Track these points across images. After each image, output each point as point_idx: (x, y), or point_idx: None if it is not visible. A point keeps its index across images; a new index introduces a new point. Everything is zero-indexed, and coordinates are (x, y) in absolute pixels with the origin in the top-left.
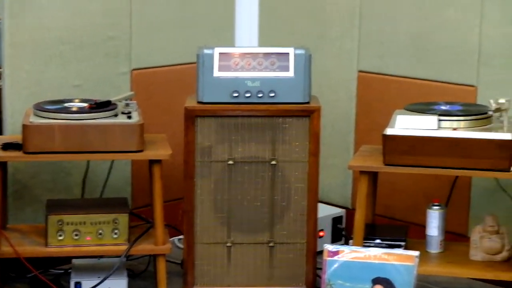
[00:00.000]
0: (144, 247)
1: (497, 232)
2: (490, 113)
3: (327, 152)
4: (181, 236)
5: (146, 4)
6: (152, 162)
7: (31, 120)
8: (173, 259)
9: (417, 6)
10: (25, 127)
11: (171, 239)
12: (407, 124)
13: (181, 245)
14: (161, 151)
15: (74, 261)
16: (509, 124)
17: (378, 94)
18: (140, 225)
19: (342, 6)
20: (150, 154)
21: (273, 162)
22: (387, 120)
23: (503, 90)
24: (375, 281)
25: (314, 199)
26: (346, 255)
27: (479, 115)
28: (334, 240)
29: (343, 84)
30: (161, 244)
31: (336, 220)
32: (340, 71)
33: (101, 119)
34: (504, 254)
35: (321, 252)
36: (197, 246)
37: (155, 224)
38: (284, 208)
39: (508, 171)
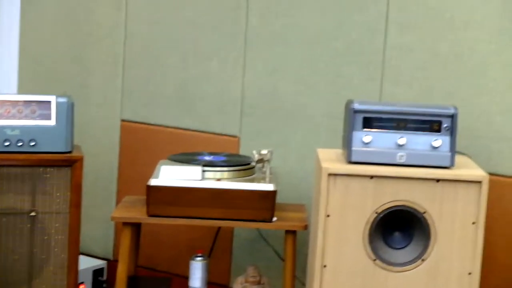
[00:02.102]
0: None
1: (258, 283)
2: (253, 164)
3: (90, 202)
4: None
5: None
6: None
7: None
8: None
9: (181, 56)
10: None
11: None
12: (171, 175)
13: None
14: None
15: None
16: (271, 175)
17: (143, 144)
18: None
19: (106, 54)
20: None
21: (33, 214)
22: (151, 170)
23: (265, 141)
24: None
25: (75, 251)
26: None
27: (242, 166)
28: None
29: (106, 133)
30: None
31: (97, 272)
32: (103, 120)
33: None
34: None
35: None
36: None
37: None
38: (44, 261)
39: (270, 221)
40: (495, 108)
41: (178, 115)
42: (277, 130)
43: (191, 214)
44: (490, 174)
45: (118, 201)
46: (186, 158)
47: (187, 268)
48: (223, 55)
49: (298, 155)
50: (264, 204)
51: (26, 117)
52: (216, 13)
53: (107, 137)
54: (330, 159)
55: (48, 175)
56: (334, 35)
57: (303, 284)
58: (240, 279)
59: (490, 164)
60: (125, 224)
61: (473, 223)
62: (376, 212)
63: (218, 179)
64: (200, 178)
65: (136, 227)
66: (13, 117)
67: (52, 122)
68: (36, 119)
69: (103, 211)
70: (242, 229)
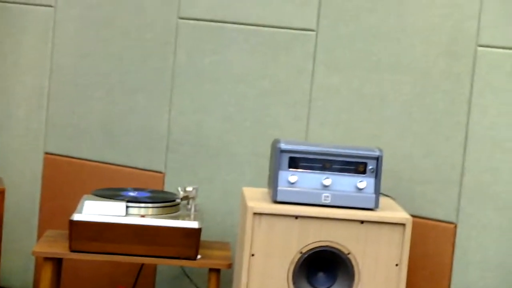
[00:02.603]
0: None
1: None
2: (178, 200)
3: (10, 236)
4: None
5: None
6: None
7: None
8: None
9: (107, 90)
10: None
11: None
12: (94, 210)
13: None
14: None
15: None
16: (196, 212)
17: (66, 177)
18: None
19: (31, 86)
20: None
21: None
22: (74, 205)
23: (191, 177)
24: None
25: None
26: None
27: (166, 202)
28: None
29: (29, 166)
30: None
31: None
32: (26, 152)
33: None
34: None
35: None
36: None
37: None
38: None
39: (194, 259)
40: (419, 151)
41: (103, 149)
42: (202, 167)
43: (114, 250)
44: (414, 216)
45: (39, 235)
46: (110, 194)
47: None
48: (149, 90)
49: (223, 192)
50: (188, 242)
51: None
52: (143, 48)
53: (30, 170)
54: (256, 198)
55: None
56: (262, 74)
57: None
58: None
59: (414, 206)
60: (46, 259)
61: (396, 265)
62: (301, 252)
63: (142, 216)
64: (124, 214)
65: (57, 262)
66: None
67: None
68: None
69: (24, 245)
70: (166, 266)
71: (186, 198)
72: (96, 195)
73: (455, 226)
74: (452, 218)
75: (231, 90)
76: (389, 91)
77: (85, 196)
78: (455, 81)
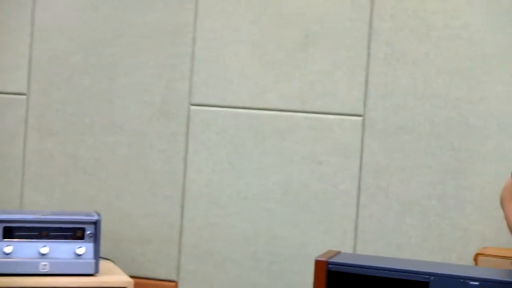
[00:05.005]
0: None
1: None
2: None
3: None
4: None
5: None
6: None
7: None
8: None
9: None
10: None
11: None
12: None
13: None
14: None
15: None
16: None
17: None
18: None
19: None
20: None
21: None
22: None
23: None
24: None
25: None
26: None
27: None
28: None
29: None
30: None
31: None
32: None
33: None
34: None
35: None
36: None
37: None
38: None
39: None
40: (138, 211)
41: None
42: None
43: None
44: (135, 277)
45: None
46: None
47: None
48: None
49: None
50: None
51: None
52: None
53: None
54: None
55: None
56: None
57: None
58: None
59: (134, 267)
60: None
61: None
62: None
63: None
64: None
65: None
66: None
67: None
68: None
69: None
70: None
71: None
72: None
73: (176, 284)
74: (173, 277)
75: None
76: (105, 153)
77: None
78: (171, 141)
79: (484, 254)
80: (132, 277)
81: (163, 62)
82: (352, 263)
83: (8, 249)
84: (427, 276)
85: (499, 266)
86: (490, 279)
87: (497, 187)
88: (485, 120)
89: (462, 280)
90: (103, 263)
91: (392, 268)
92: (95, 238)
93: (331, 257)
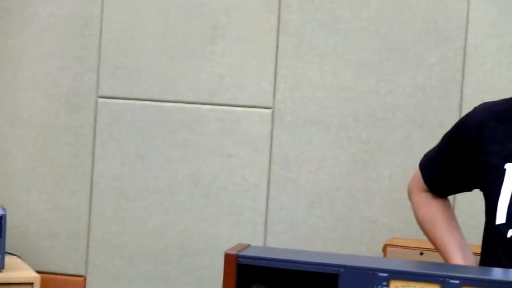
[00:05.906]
0: None
1: None
2: None
3: None
4: None
5: None
6: None
7: None
8: None
9: None
10: None
11: None
12: None
13: None
14: None
15: None
16: None
17: None
18: None
19: None
20: None
21: None
22: None
23: None
24: None
25: None
26: None
27: None
28: None
29: None
30: None
31: None
32: None
33: None
34: None
35: None
36: None
37: None
38: None
39: None
40: (44, 206)
41: None
42: None
43: None
44: (42, 272)
45: None
46: None
47: None
48: None
49: None
50: None
51: None
52: None
53: None
54: None
55: None
56: None
57: None
58: None
59: (41, 262)
60: None
61: None
62: None
63: None
64: None
65: None
66: None
67: None
68: None
69: None
70: None
71: None
72: None
73: (85, 279)
74: (81, 272)
75: None
76: (11, 146)
77: None
78: (78, 134)
79: (392, 245)
80: (39, 272)
81: (69, 54)
82: (261, 256)
83: None
84: (336, 268)
85: (408, 257)
86: (398, 270)
87: (405, 179)
88: (393, 112)
89: (371, 272)
90: (9, 259)
91: (302, 261)
92: (0, 233)
93: (241, 250)
